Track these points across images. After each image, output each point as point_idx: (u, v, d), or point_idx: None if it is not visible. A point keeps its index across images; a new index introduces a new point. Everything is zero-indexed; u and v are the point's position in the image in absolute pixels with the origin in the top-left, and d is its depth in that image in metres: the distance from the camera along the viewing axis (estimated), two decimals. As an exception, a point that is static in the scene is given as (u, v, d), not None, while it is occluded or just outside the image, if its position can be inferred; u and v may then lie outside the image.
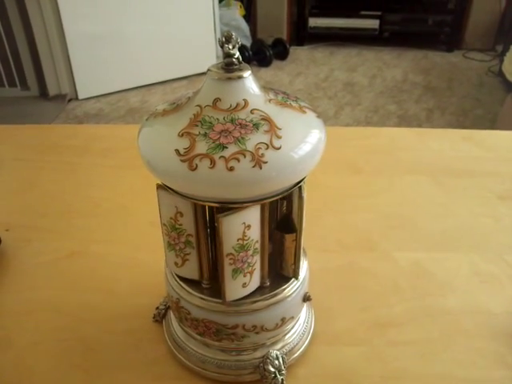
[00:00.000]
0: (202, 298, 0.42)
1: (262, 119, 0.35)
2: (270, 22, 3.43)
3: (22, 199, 0.72)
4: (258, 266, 0.40)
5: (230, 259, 0.38)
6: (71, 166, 0.80)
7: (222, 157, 0.33)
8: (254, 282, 0.41)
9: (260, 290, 0.42)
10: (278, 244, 0.43)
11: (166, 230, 0.41)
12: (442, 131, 0.95)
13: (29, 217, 0.69)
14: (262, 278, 0.42)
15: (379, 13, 3.41)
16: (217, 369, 0.45)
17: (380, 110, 2.64)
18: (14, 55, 2.62)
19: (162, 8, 2.74)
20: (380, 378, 0.46)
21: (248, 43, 3.26)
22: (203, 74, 0.37)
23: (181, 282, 0.43)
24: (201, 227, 0.39)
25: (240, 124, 0.34)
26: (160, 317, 0.51)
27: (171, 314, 0.50)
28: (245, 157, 0.33)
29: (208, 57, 2.91)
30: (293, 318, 0.45)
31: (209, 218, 0.41)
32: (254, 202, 0.36)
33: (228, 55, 0.35)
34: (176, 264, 0.42)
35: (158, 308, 0.52)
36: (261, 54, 3.19)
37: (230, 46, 0.35)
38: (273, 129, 0.34)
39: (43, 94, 2.73)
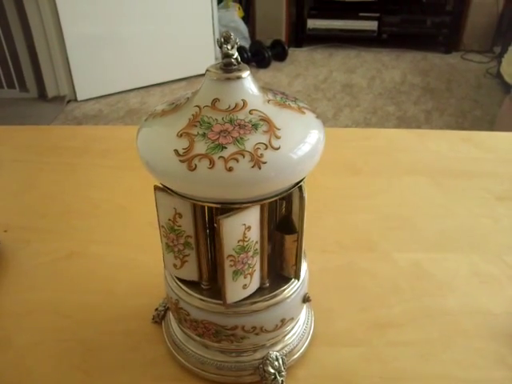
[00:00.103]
0: (201, 299, 0.42)
1: (260, 119, 0.35)
2: (268, 24, 3.43)
3: (20, 200, 0.72)
4: (257, 267, 0.40)
5: (231, 261, 0.38)
6: (70, 167, 0.79)
7: (221, 157, 0.33)
8: (254, 283, 0.41)
9: (259, 291, 0.42)
10: (279, 245, 0.42)
11: (164, 232, 0.40)
12: (441, 132, 0.96)
13: (28, 218, 0.68)
14: (262, 278, 0.42)
15: (378, 14, 3.41)
16: (216, 370, 0.45)
17: (379, 111, 2.65)
18: (12, 57, 2.62)
19: (161, 10, 2.74)
20: (380, 378, 0.46)
21: (247, 45, 3.26)
22: (202, 75, 0.36)
23: (180, 284, 0.43)
24: (200, 228, 0.39)
25: (239, 124, 0.34)
26: (159, 318, 0.51)
27: (170, 315, 0.50)
28: (244, 157, 0.33)
29: (207, 58, 2.91)
30: (292, 319, 0.45)
31: (208, 218, 0.41)
32: (253, 202, 0.35)
33: (227, 55, 0.35)
34: (175, 266, 0.42)
35: (157, 309, 0.52)
36: (259, 56, 3.19)
37: (229, 47, 0.35)
38: (272, 129, 0.34)
39: (42, 95, 2.73)
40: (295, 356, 0.47)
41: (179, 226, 0.39)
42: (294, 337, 0.48)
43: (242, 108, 0.35)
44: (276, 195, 0.36)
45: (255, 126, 0.34)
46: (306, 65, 3.29)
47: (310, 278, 0.47)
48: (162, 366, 0.47)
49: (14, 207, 0.71)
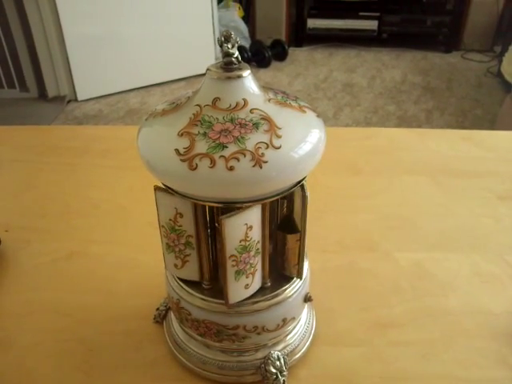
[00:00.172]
0: (202, 299, 0.42)
1: (261, 119, 0.35)
2: (268, 24, 3.43)
3: (21, 200, 0.72)
4: (259, 267, 0.40)
5: (233, 261, 0.38)
6: (70, 166, 0.79)
7: (221, 156, 0.32)
8: (256, 283, 0.41)
9: (261, 290, 0.42)
10: (281, 244, 0.42)
11: (164, 232, 0.40)
12: (442, 131, 0.95)
13: (28, 218, 0.68)
14: (263, 278, 0.42)
15: (378, 14, 3.41)
16: (218, 370, 0.45)
17: (379, 110, 2.64)
18: (12, 57, 2.62)
19: (161, 9, 2.74)
20: (381, 378, 0.46)
21: (247, 44, 3.26)
22: (202, 75, 0.36)
23: (181, 283, 0.43)
24: (201, 228, 0.39)
25: (240, 123, 0.34)
26: (160, 318, 0.51)
27: (172, 315, 0.49)
28: (245, 156, 0.33)
29: (207, 58, 2.91)
30: (294, 318, 0.45)
31: (209, 218, 0.41)
32: (254, 201, 0.35)
33: (227, 54, 0.35)
34: (176, 266, 0.42)
35: (158, 309, 0.52)
36: (260, 55, 3.19)
37: (229, 46, 0.35)
38: (273, 128, 0.34)
39: (42, 95, 2.73)
40: (297, 356, 0.47)
41: (180, 226, 0.39)
42: (296, 336, 0.48)
43: (242, 107, 0.35)
44: (277, 194, 0.36)
45: (256, 125, 0.34)
46: (307, 64, 3.29)
47: (311, 278, 0.47)
48: (163, 366, 0.47)
49: (14, 207, 0.71)
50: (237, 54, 0.36)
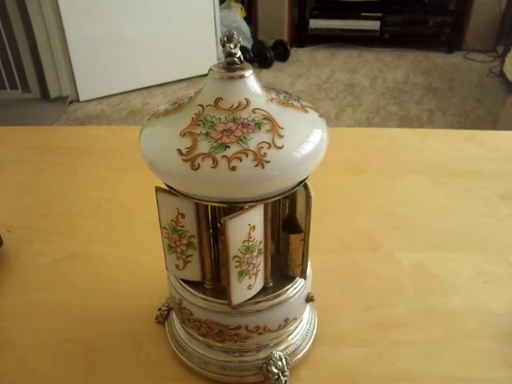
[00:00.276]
0: (204, 299, 0.42)
1: (263, 118, 0.35)
2: (270, 24, 3.44)
3: (23, 200, 0.72)
4: (261, 267, 0.40)
5: (237, 262, 0.38)
6: (72, 167, 0.80)
7: (224, 156, 0.32)
8: (259, 283, 0.41)
9: (263, 290, 0.42)
10: (284, 244, 0.42)
11: (166, 233, 0.40)
12: (444, 131, 0.95)
13: (30, 218, 0.68)
14: (266, 278, 0.42)
15: (380, 14, 3.41)
16: (220, 370, 0.45)
17: (381, 111, 2.64)
18: (15, 58, 2.62)
19: (163, 10, 2.75)
20: (383, 378, 0.46)
21: (249, 45, 3.26)
22: (204, 75, 0.36)
23: (183, 283, 0.43)
24: (203, 228, 0.39)
25: (242, 123, 0.34)
26: (162, 318, 0.51)
27: (173, 315, 0.49)
28: (247, 156, 0.33)
29: (209, 59, 2.91)
30: (296, 318, 0.45)
31: (210, 218, 0.41)
32: (256, 201, 0.35)
33: (230, 54, 0.35)
34: (177, 267, 0.42)
35: (160, 309, 0.52)
36: (262, 56, 3.19)
37: (232, 46, 0.35)
38: (275, 128, 0.34)
39: (44, 96, 2.74)
40: (299, 356, 0.47)
41: (182, 227, 0.39)
42: (298, 337, 0.48)
43: (245, 107, 0.35)
44: (279, 194, 0.36)
45: (258, 125, 0.34)
46: (308, 65, 3.29)
47: (313, 278, 0.47)
48: (165, 366, 0.47)
49: (16, 207, 0.71)
50: (239, 53, 0.36)
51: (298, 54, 3.45)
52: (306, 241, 0.41)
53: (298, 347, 0.47)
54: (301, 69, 3.23)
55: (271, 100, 0.36)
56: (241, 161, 0.32)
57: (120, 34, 2.70)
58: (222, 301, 0.41)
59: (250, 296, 0.41)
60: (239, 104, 0.35)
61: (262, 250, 0.39)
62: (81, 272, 0.59)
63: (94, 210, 0.70)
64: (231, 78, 0.35)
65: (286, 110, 0.36)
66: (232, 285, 0.39)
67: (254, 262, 0.39)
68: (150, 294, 0.54)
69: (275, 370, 0.44)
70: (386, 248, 0.62)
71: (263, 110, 0.35)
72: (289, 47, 3.34)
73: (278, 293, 0.42)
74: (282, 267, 0.44)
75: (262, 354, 0.45)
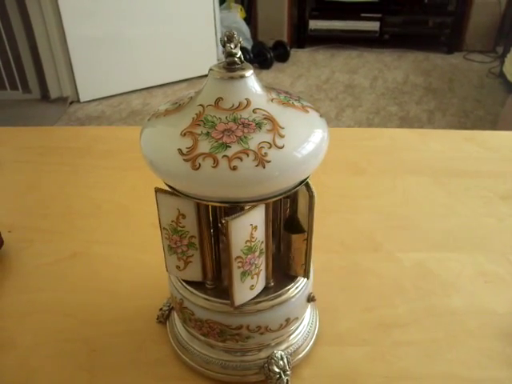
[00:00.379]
0: (205, 299, 0.42)
1: (264, 118, 0.35)
2: (270, 25, 3.44)
3: (24, 201, 0.72)
4: (263, 267, 0.40)
5: (239, 262, 0.38)
6: (73, 167, 0.80)
7: (224, 156, 0.32)
8: (260, 283, 0.41)
9: (264, 290, 0.42)
10: (286, 244, 0.42)
11: (166, 234, 0.40)
12: (444, 132, 0.95)
13: (31, 218, 0.69)
14: (267, 278, 0.42)
15: (379, 15, 3.41)
16: (221, 369, 0.45)
17: (381, 111, 2.64)
18: (15, 58, 2.63)
19: (163, 11, 2.75)
20: (385, 378, 0.46)
21: (249, 46, 3.27)
22: (204, 76, 0.36)
23: (184, 283, 0.43)
24: (204, 228, 0.39)
25: (243, 123, 0.34)
26: (164, 318, 0.51)
27: (175, 315, 0.49)
28: (248, 156, 0.33)
29: (209, 59, 2.91)
30: (297, 318, 0.45)
31: (211, 218, 0.41)
32: (257, 201, 0.35)
33: (230, 54, 0.35)
34: (178, 267, 0.42)
35: (161, 309, 0.52)
36: (262, 57, 3.19)
37: (232, 46, 0.35)
38: (275, 128, 0.34)
39: (45, 96, 2.74)
40: (300, 355, 0.47)
41: (183, 227, 0.39)
42: (299, 336, 0.48)
43: (245, 107, 0.35)
44: (280, 194, 0.36)
45: (259, 125, 0.34)
46: (308, 65, 3.29)
47: (314, 278, 0.47)
48: (166, 366, 0.47)
49: (17, 208, 0.71)
50: (239, 53, 0.36)
51: (298, 55, 3.46)
52: (308, 240, 0.41)
53: (299, 347, 0.47)
54: (301, 69, 3.23)
55: (272, 100, 0.36)
56: (241, 161, 0.32)
57: (120, 34, 2.70)
58: (223, 301, 0.41)
59: (253, 296, 0.41)
60: (240, 104, 0.35)
61: (264, 250, 0.39)
62: (81, 272, 0.59)
63: (94, 210, 0.70)
64: (232, 77, 0.35)
65: (286, 110, 0.36)
66: (235, 285, 0.39)
67: (255, 262, 0.39)
68: (151, 293, 0.54)
69: (277, 370, 0.44)
70: (386, 248, 0.62)
71: (264, 110, 0.35)
72: (289, 48, 3.34)
73: (279, 293, 0.42)
74: (284, 267, 0.44)
75: (263, 354, 0.45)
